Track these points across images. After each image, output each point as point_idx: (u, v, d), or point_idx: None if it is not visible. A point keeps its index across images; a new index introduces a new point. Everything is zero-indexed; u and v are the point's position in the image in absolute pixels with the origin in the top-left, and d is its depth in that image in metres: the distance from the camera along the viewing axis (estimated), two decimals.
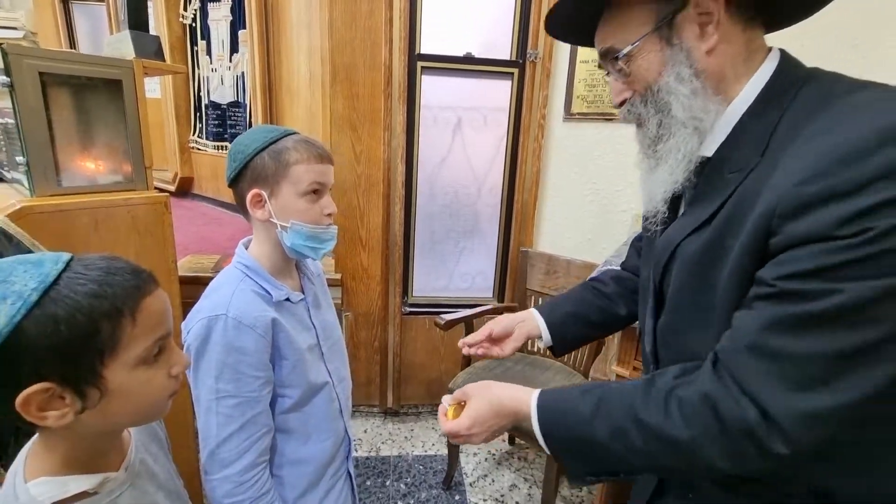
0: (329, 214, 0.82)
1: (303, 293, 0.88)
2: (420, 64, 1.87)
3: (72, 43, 3.41)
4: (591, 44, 0.66)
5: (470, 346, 0.89)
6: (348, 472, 1.00)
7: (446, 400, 0.69)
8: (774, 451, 0.46)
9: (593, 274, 1.26)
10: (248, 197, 0.79)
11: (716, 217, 0.55)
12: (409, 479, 1.85)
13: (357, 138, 1.87)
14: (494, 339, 0.90)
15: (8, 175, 1.27)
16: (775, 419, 0.45)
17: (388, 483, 1.82)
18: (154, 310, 0.50)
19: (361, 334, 2.09)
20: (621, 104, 0.63)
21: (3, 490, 0.49)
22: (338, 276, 2.00)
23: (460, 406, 0.67)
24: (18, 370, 0.42)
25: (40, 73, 1.03)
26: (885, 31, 1.30)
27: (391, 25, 1.75)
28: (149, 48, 1.28)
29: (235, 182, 0.81)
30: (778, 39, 0.60)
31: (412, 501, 1.75)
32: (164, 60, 1.29)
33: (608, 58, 0.61)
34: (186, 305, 1.31)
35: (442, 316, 1.76)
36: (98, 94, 1.18)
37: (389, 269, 2.04)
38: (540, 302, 1.92)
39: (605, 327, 0.92)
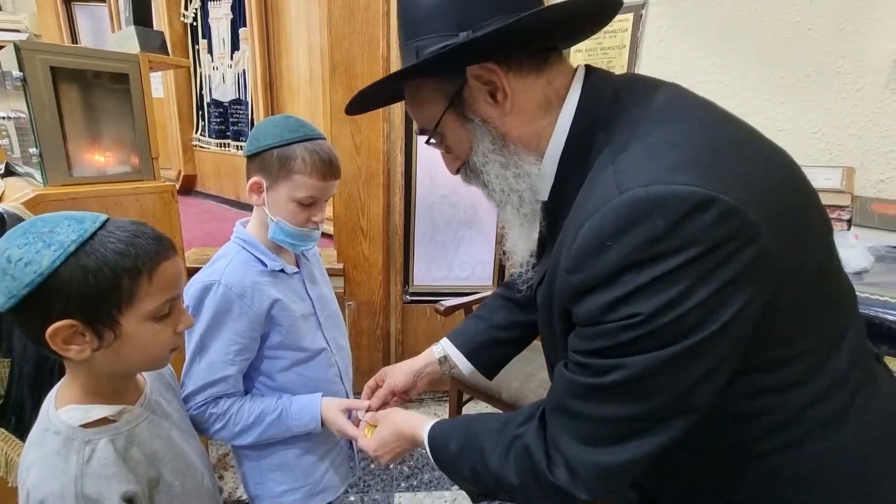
0: (316, 222, 0.85)
1: (298, 268, 0.93)
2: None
3: (75, 43, 3.46)
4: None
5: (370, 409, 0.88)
6: (349, 442, 1.04)
7: (363, 418, 0.80)
8: (579, 496, 0.50)
9: None
10: (250, 181, 0.84)
11: (548, 270, 0.57)
12: (412, 462, 1.90)
13: (357, 129, 1.91)
14: (400, 393, 0.91)
15: (21, 169, 1.32)
16: (576, 470, 0.50)
17: (391, 466, 1.87)
18: (169, 273, 0.57)
19: (364, 323, 2.14)
20: (458, 171, 0.63)
21: (39, 418, 0.59)
22: (340, 266, 2.05)
23: (373, 427, 0.76)
24: (51, 306, 0.50)
25: (51, 68, 1.08)
26: None
27: (388, 18, 1.79)
28: (153, 43, 1.32)
29: (249, 160, 0.85)
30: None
31: (415, 482, 1.79)
32: (167, 54, 1.34)
33: (425, 136, 0.62)
34: None
35: (442, 303, 1.80)
36: (106, 88, 1.23)
37: (390, 258, 2.09)
38: None
39: (527, 339, 0.94)
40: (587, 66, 0.56)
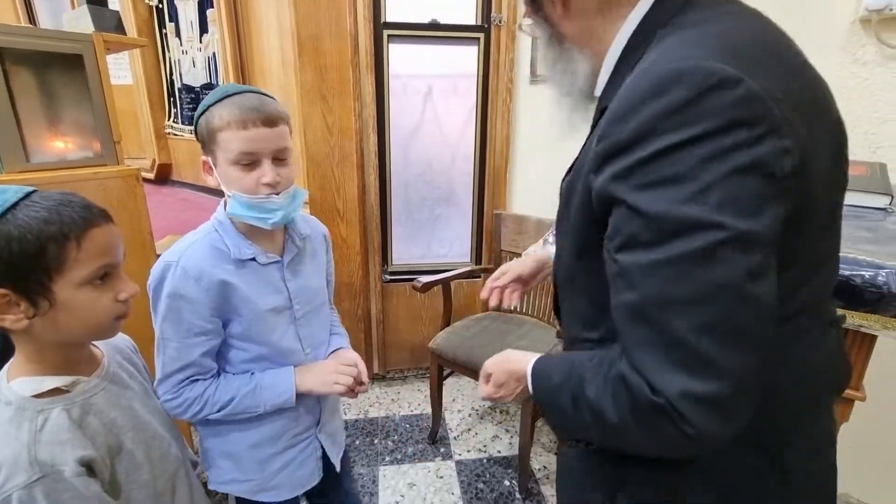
0: (267, 184, 0.76)
1: (282, 255, 0.86)
2: (386, 32, 1.88)
3: (32, 21, 3.34)
4: None
5: (493, 289, 0.91)
6: (318, 442, 0.96)
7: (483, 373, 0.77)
8: (685, 432, 0.41)
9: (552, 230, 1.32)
10: (202, 164, 0.80)
11: (579, 159, 0.58)
12: (396, 437, 1.94)
13: (328, 109, 1.89)
14: (525, 281, 0.94)
15: None
16: (668, 398, 0.41)
17: (376, 441, 1.91)
18: (100, 240, 0.58)
19: (344, 304, 2.15)
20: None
21: None
22: None
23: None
24: None
25: (0, 49, 1.05)
26: None
27: None
28: (108, 22, 1.29)
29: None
30: None
31: (399, 455, 1.84)
32: (124, 34, 1.30)
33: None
34: None
35: (419, 279, 1.82)
36: (61, 71, 1.19)
37: (368, 238, 2.09)
38: None
39: None
40: None
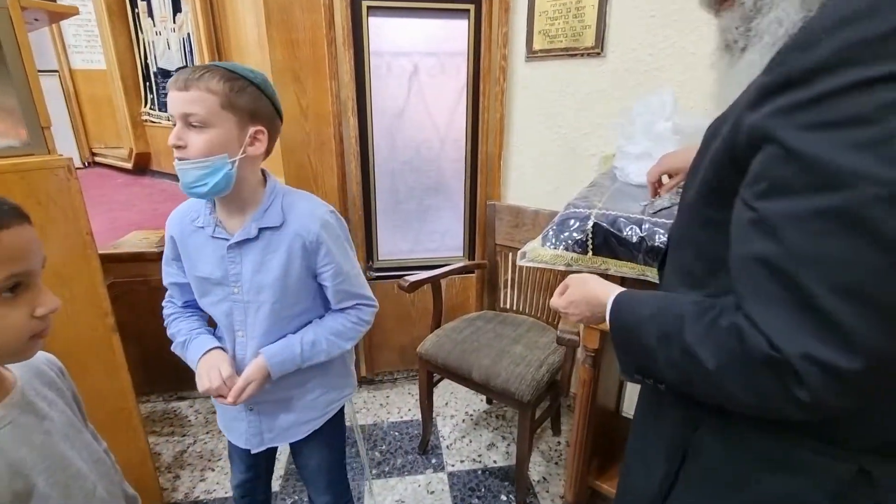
0: (172, 146, 0.77)
1: (235, 234, 0.86)
2: (365, 3, 1.69)
3: None
4: None
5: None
6: (245, 415, 0.98)
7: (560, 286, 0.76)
8: (795, 395, 0.39)
9: (555, 219, 1.16)
10: None
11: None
12: (384, 447, 1.80)
13: (301, 91, 1.71)
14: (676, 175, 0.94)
15: None
16: (787, 357, 0.38)
17: (362, 455, 1.77)
18: (10, 244, 0.49)
19: None
20: None
21: None
22: None
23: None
24: None
25: None
26: None
27: None
28: None
29: None
30: None
31: (387, 468, 1.70)
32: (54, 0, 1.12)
33: None
34: (123, 284, 1.21)
35: (406, 278, 1.66)
36: None
37: (350, 232, 1.92)
38: (509, 257, 1.83)
39: None
40: None
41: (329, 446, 1.07)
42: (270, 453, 1.11)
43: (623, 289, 0.63)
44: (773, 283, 0.40)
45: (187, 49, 3.01)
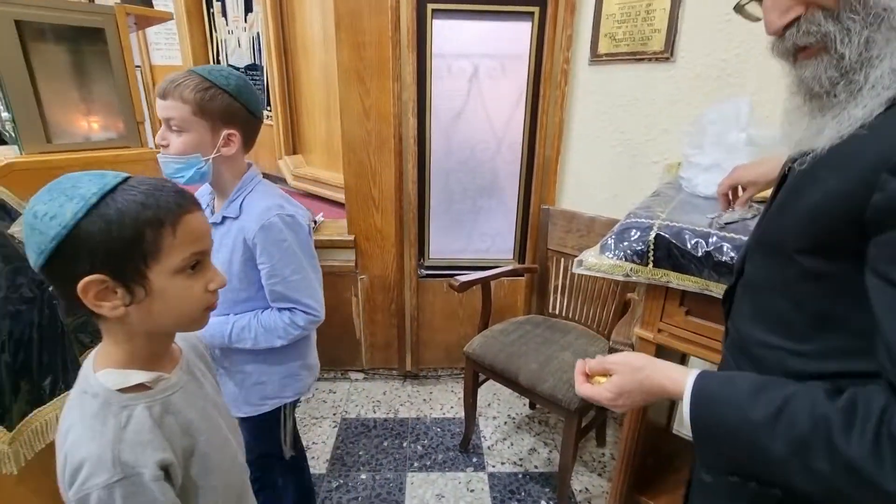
0: (159, 145, 0.90)
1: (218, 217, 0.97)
2: (430, 6, 1.72)
3: None
4: None
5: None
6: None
7: (590, 363, 0.66)
8: None
9: (615, 228, 1.14)
10: None
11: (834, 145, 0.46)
12: (426, 441, 1.83)
13: (365, 91, 1.76)
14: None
15: (9, 135, 1.25)
16: None
17: (405, 444, 1.82)
18: (192, 226, 0.56)
19: (378, 298, 2.05)
20: (788, 26, 0.48)
21: (78, 379, 0.59)
22: (350, 238, 1.95)
23: (604, 376, 0.65)
24: (78, 260, 0.51)
25: (17, 22, 0.99)
26: None
27: None
28: None
29: None
30: None
31: (429, 462, 1.73)
32: (151, 6, 1.22)
33: None
34: None
35: (457, 277, 1.68)
36: (83, 46, 1.13)
37: (404, 230, 1.97)
38: (561, 262, 1.81)
39: None
40: None
41: (256, 439, 1.08)
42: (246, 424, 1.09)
43: (695, 371, 0.55)
44: None
45: (256, 47, 3.16)
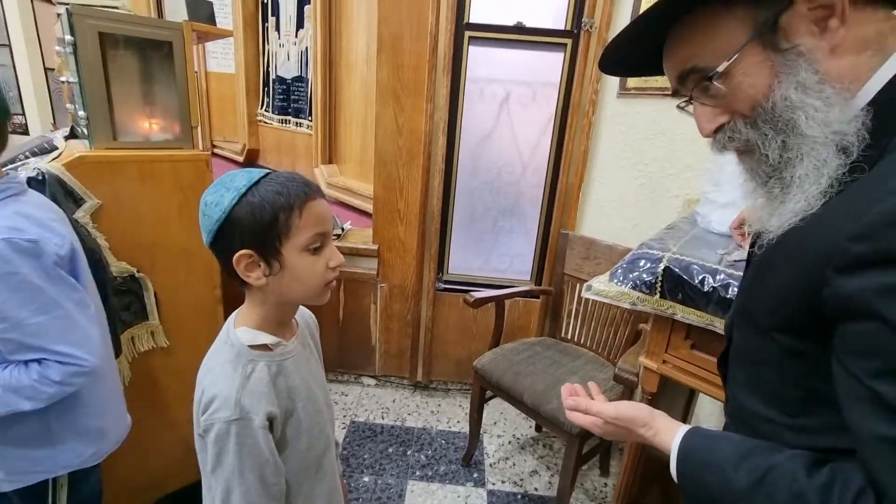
0: None
1: None
2: (468, 34, 1.82)
3: (160, 14, 3.66)
4: (652, 72, 0.57)
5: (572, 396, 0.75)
6: None
7: (602, 409, 0.65)
8: None
9: (626, 257, 1.18)
10: None
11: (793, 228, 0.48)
12: (430, 452, 1.87)
13: (400, 109, 1.86)
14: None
15: (81, 131, 1.39)
16: None
17: (409, 453, 1.85)
18: (316, 210, 0.67)
19: (395, 306, 2.12)
20: (716, 131, 0.53)
21: (221, 332, 0.72)
22: (375, 247, 2.03)
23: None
24: (233, 238, 0.63)
25: (100, 34, 1.12)
26: None
27: None
28: (202, 13, 1.34)
29: None
30: None
31: (430, 473, 1.76)
32: (214, 25, 1.35)
33: (690, 81, 0.51)
34: None
35: (472, 293, 1.73)
36: (152, 56, 1.26)
37: (426, 243, 2.04)
38: (576, 288, 1.84)
39: None
40: None
41: None
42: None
43: (678, 428, 0.57)
44: None
45: (304, 61, 3.35)
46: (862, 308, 0.39)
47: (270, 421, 0.66)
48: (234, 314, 0.73)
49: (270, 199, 0.63)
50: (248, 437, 0.64)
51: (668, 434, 0.57)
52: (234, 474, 0.64)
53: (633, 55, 0.57)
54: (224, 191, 0.64)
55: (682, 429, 0.56)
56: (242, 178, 0.64)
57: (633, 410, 0.61)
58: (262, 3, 3.53)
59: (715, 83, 0.49)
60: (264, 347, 0.70)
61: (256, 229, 0.63)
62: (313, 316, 0.88)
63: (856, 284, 0.39)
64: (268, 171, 0.66)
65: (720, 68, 0.48)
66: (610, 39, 0.55)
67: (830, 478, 0.43)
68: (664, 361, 1.15)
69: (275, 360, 0.70)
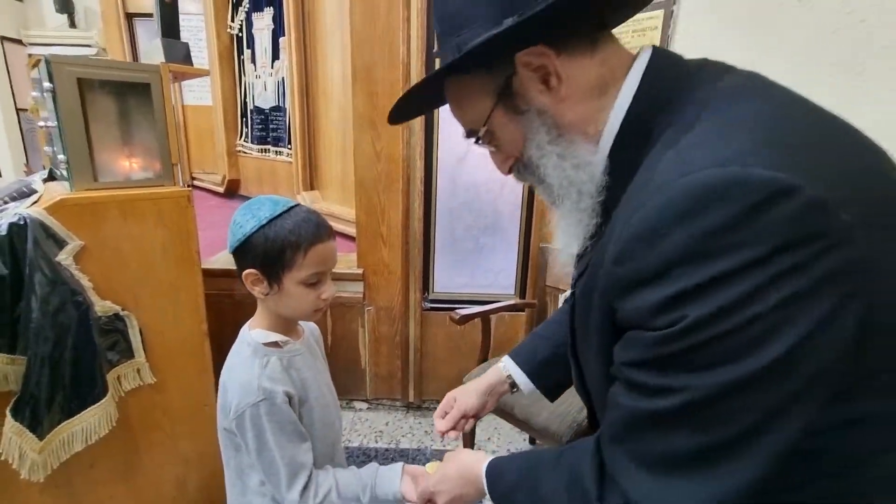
0: None
1: None
2: (438, 61, 1.88)
3: (134, 55, 3.70)
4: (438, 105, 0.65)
5: (444, 432, 0.88)
6: None
7: (430, 467, 0.84)
8: None
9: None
10: None
11: (591, 262, 0.53)
12: None
13: (377, 136, 1.91)
14: (472, 415, 0.91)
15: (60, 174, 1.40)
16: None
17: None
18: (320, 252, 0.78)
19: (383, 328, 2.14)
20: (510, 171, 0.60)
21: (239, 335, 0.86)
22: (359, 272, 2.06)
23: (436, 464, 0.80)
24: (247, 257, 0.77)
25: (78, 79, 1.15)
26: None
27: (409, 24, 1.78)
28: (178, 53, 1.38)
29: None
30: None
31: None
32: (191, 65, 1.39)
33: (473, 137, 0.58)
34: (210, 296, 1.41)
35: (457, 311, 1.76)
36: (130, 97, 1.29)
37: (410, 264, 2.07)
38: (559, 299, 1.88)
39: None
40: (654, 48, 0.51)
41: None
42: None
43: (489, 458, 0.65)
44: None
45: (281, 91, 3.41)
46: (641, 322, 0.42)
47: (289, 399, 0.79)
48: (248, 322, 0.87)
49: (283, 236, 0.75)
50: (277, 412, 0.77)
51: (479, 465, 0.65)
52: (277, 445, 0.76)
53: (422, 106, 0.69)
54: (250, 216, 0.76)
55: (488, 458, 0.65)
56: (267, 210, 0.76)
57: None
58: (237, 36, 3.59)
59: (484, 141, 0.57)
60: (275, 345, 0.83)
61: (266, 257, 0.75)
62: (316, 326, 1.01)
63: (631, 305, 0.42)
64: (293, 204, 0.78)
65: (480, 133, 0.56)
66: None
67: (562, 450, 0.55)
68: None
69: (285, 355, 0.84)
